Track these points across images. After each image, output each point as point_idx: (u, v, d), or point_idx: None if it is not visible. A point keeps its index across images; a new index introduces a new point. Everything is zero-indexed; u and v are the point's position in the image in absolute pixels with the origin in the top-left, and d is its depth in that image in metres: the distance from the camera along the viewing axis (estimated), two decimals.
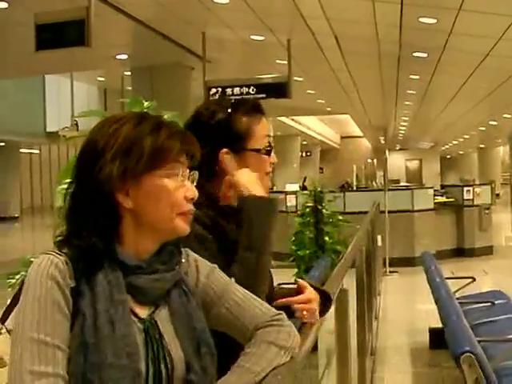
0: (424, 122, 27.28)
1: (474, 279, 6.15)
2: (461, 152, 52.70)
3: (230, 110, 1.96)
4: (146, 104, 3.72)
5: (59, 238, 1.42)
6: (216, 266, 1.59)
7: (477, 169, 47.45)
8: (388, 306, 8.56)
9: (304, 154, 40.83)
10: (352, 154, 40.68)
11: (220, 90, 10.89)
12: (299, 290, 1.85)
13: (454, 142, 41.83)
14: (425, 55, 12.00)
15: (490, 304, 5.60)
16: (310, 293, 1.85)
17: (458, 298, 5.18)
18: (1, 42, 11.06)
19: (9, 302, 1.47)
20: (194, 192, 1.47)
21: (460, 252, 12.71)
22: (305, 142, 38.45)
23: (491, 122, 26.02)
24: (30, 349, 1.26)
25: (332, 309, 2.31)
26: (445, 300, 4.27)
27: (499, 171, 46.36)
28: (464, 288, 6.09)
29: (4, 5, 8.97)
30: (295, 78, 12.04)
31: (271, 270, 1.90)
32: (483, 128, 29.14)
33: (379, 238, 9.39)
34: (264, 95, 10.92)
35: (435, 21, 9.42)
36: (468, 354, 2.90)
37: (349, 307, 3.07)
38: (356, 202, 11.88)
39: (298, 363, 1.53)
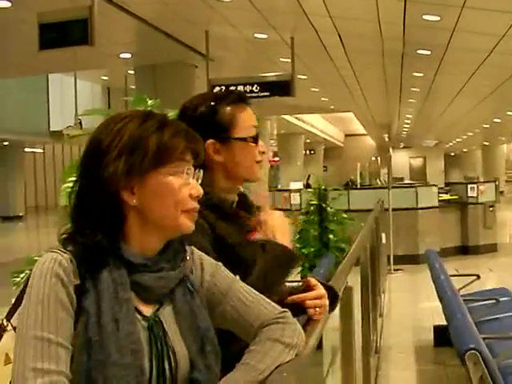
0: (428, 120, 27.25)
1: (479, 277, 6.13)
2: (465, 149, 52.67)
3: (213, 102, 1.98)
4: (149, 102, 3.72)
5: (64, 236, 1.42)
6: (221, 263, 1.60)
7: (481, 166, 47.43)
8: (392, 304, 8.55)
9: (308, 152, 40.86)
10: (356, 152, 40.71)
11: (224, 88, 10.87)
12: (308, 287, 1.85)
13: (458, 140, 41.79)
14: (428, 52, 11.99)
15: (494, 301, 5.58)
16: (321, 289, 1.85)
17: (462, 296, 5.16)
18: (4, 41, 11.07)
19: (14, 300, 1.48)
20: (198, 190, 1.47)
21: (464, 249, 12.68)
22: (308, 140, 38.47)
23: (495, 120, 25.99)
24: (34, 346, 1.27)
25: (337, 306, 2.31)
26: (449, 297, 4.26)
27: (503, 169, 46.36)
28: (468, 285, 6.07)
29: (7, 4, 8.97)
30: (299, 76, 12.04)
31: None
32: (487, 125, 29.11)
33: (383, 235, 9.38)
34: (268, 93, 10.92)
35: (439, 18, 9.41)
36: (473, 351, 2.89)
37: (353, 305, 3.07)
38: (360, 200, 11.87)
39: (303, 360, 1.53)
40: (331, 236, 8.65)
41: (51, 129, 25.81)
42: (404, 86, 16.94)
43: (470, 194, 12.86)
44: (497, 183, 15.09)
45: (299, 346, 1.51)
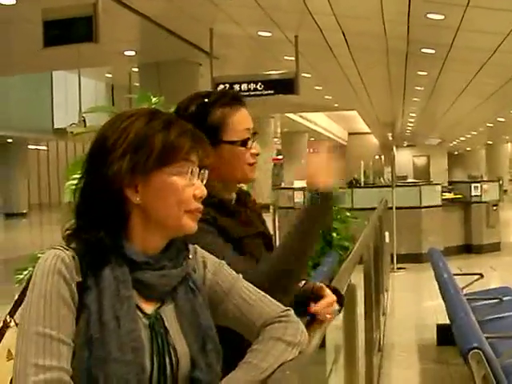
0: (432, 119, 27.23)
1: (482, 276, 6.11)
2: (468, 148, 52.60)
3: (204, 102, 1.95)
4: (154, 100, 3.71)
5: (68, 232, 1.42)
6: (224, 262, 1.59)
7: (484, 165, 47.35)
8: (395, 303, 8.54)
9: (311, 151, 40.81)
10: (359, 151, 40.62)
11: (228, 86, 10.87)
12: (318, 292, 1.86)
13: (462, 139, 41.74)
14: (432, 51, 11.98)
15: (497, 300, 5.58)
16: (331, 296, 1.86)
17: (465, 295, 5.16)
18: (9, 38, 11.09)
19: (17, 296, 1.48)
20: (203, 191, 1.47)
21: (468, 248, 12.66)
22: (312, 139, 38.43)
23: (499, 119, 25.96)
24: (35, 342, 1.27)
25: None
26: (452, 296, 4.25)
27: (507, 168, 46.24)
28: (472, 284, 6.05)
29: (12, 1, 8.99)
30: (303, 74, 12.03)
31: None
32: (491, 124, 29.08)
33: (387, 234, 9.37)
34: (272, 91, 10.92)
35: (443, 17, 9.41)
36: (476, 350, 2.89)
37: (356, 303, 3.07)
38: (364, 199, 11.85)
39: (306, 359, 1.53)
40: (335, 234, 8.64)
41: (55, 126, 25.80)
42: (408, 85, 16.93)
43: (473, 192, 12.84)
44: (500, 182, 15.04)
45: (302, 344, 1.50)
